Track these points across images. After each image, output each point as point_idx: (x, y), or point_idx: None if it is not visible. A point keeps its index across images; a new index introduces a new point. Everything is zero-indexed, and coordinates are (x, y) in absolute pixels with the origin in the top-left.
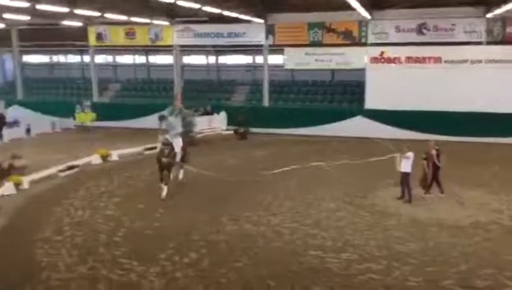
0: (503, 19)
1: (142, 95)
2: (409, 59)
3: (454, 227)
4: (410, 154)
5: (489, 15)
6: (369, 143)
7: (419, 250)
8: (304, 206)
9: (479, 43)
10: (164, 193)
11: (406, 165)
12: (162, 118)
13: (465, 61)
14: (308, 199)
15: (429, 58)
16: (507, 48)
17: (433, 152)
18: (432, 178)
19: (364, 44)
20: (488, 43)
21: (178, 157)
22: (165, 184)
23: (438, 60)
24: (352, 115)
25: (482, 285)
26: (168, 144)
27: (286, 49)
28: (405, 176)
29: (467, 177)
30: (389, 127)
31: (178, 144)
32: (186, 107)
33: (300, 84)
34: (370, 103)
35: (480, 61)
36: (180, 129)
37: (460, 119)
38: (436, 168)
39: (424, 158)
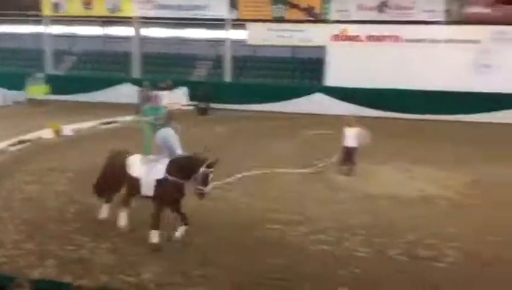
0: None
1: (98, 68)
2: (370, 37)
3: (404, 201)
4: (357, 129)
5: None
6: (328, 119)
7: (369, 222)
8: (261, 181)
9: (438, 23)
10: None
11: (352, 140)
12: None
13: (424, 40)
14: (264, 173)
15: (389, 36)
16: (464, 28)
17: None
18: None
19: (326, 21)
20: (447, 22)
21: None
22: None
23: (397, 38)
24: (311, 91)
25: (425, 254)
26: None
27: (248, 24)
28: (352, 150)
29: (419, 154)
30: (347, 104)
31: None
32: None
33: (262, 60)
34: (330, 80)
35: (438, 41)
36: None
37: (417, 98)
38: None
39: None
